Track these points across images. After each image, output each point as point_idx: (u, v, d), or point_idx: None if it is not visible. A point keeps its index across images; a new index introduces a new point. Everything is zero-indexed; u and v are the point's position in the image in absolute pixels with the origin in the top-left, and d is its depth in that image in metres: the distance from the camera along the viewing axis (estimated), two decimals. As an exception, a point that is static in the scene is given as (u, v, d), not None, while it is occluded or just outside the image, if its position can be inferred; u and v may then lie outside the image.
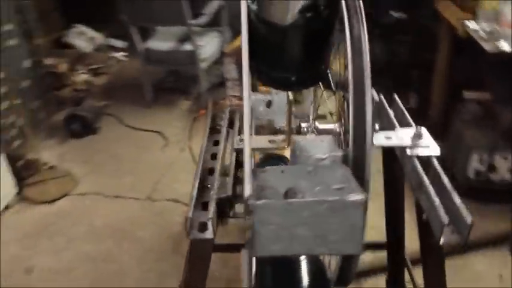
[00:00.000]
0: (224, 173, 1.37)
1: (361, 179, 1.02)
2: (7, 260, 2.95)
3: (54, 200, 3.47)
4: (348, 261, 1.16)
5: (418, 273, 1.78)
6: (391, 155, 1.59)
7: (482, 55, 3.15)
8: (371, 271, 2.74)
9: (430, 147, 1.38)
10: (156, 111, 4.70)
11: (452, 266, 2.86)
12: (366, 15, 1.10)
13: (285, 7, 0.98)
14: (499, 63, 3.11)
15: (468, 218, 1.13)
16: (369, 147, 1.03)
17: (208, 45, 4.52)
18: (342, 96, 1.20)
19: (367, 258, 2.84)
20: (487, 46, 2.96)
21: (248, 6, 1.08)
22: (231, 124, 1.65)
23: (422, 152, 1.37)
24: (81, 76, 4.99)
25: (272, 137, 1.58)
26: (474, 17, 3.26)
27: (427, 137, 1.40)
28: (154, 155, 4.03)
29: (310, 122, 1.57)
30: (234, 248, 2.10)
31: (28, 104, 4.19)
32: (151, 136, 4.30)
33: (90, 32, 5.84)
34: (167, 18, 4.26)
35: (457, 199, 1.20)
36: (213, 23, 4.56)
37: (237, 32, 4.10)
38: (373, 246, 1.98)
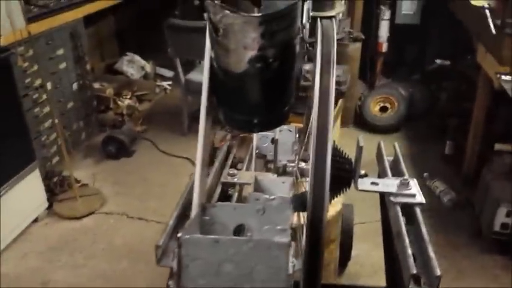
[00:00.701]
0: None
1: (318, 216, 1.04)
2: (26, 271, 3.09)
3: (81, 217, 3.61)
4: None
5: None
6: (381, 203, 1.59)
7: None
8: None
9: (415, 196, 1.38)
10: (191, 139, 4.82)
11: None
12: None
13: (236, 57, 1.02)
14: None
15: (437, 271, 1.12)
16: (327, 196, 1.04)
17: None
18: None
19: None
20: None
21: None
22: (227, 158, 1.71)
23: (406, 199, 1.37)
24: (126, 101, 5.22)
25: (258, 173, 1.61)
26: (511, 70, 3.19)
27: (414, 187, 1.41)
28: (182, 181, 4.12)
29: (296, 162, 1.60)
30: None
31: (71, 124, 4.44)
32: (182, 162, 4.42)
33: (140, 61, 6.14)
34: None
35: (430, 251, 1.19)
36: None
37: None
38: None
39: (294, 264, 1.00)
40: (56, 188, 3.82)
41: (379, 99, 5.04)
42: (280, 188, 1.24)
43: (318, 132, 1.04)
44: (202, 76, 4.42)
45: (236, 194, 1.46)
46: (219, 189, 1.49)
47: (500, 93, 3.33)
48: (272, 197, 1.15)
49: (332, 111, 1.07)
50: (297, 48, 1.09)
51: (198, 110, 4.49)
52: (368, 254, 3.15)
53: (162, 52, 6.16)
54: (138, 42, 6.35)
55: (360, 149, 1.30)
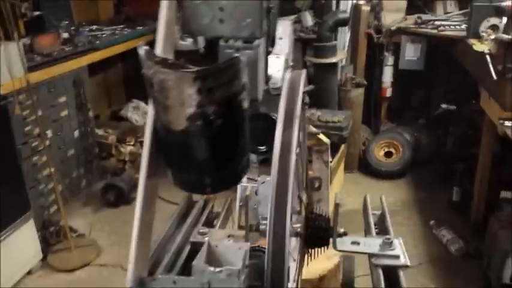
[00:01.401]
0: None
1: None
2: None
3: (75, 269, 3.51)
4: None
5: None
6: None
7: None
8: None
9: (399, 258, 1.29)
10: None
11: None
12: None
13: (174, 114, 0.97)
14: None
15: None
16: (286, 264, 0.95)
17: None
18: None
19: None
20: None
21: None
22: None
23: (389, 261, 1.28)
24: (128, 148, 5.20)
25: (232, 232, 1.53)
26: (514, 116, 3.11)
27: (398, 247, 1.31)
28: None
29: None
30: None
31: (71, 171, 4.41)
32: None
33: (145, 107, 6.16)
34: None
35: None
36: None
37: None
38: None
39: None
40: (52, 238, 3.75)
41: (383, 144, 4.96)
42: (235, 255, 1.15)
43: (276, 191, 0.96)
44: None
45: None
46: (188, 249, 1.40)
47: (505, 139, 3.23)
48: (218, 269, 1.06)
49: (292, 168, 0.99)
50: (245, 103, 1.01)
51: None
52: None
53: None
54: (145, 89, 6.40)
55: (337, 207, 1.22)
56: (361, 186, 4.60)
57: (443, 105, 5.20)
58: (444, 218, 3.99)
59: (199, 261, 1.13)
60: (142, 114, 6.06)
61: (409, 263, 1.25)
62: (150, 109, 1.09)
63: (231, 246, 1.22)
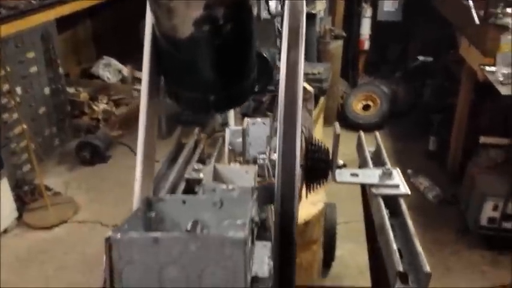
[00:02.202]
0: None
1: (287, 210, 0.91)
2: (-7, 285, 2.91)
3: (52, 227, 3.43)
4: None
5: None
6: (363, 195, 1.47)
7: (501, 100, 2.99)
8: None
9: (399, 187, 1.26)
10: (170, 143, 4.66)
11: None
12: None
13: (180, 19, 0.88)
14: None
15: (426, 267, 0.99)
16: (297, 177, 0.91)
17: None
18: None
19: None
20: (502, 89, 2.80)
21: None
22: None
23: (389, 191, 1.25)
24: (101, 106, 5.05)
25: (219, 164, 1.47)
26: (494, 62, 3.11)
27: (397, 177, 1.28)
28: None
29: (267, 154, 1.46)
30: None
31: (43, 129, 4.26)
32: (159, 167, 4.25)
33: (117, 64, 5.97)
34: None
35: (418, 246, 1.06)
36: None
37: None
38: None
39: (270, 267, 0.87)
40: (27, 196, 3.64)
41: (361, 98, 4.94)
42: (243, 178, 1.10)
43: (285, 111, 0.91)
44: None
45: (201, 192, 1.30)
46: (182, 186, 1.34)
47: (484, 87, 3.25)
48: (231, 187, 1.01)
49: (301, 88, 0.93)
50: (255, 10, 0.94)
51: (177, 113, 4.34)
52: (353, 254, 3.03)
53: (141, 56, 6.03)
54: (116, 46, 6.19)
55: (336, 138, 1.17)
56: (340, 139, 4.58)
57: (420, 57, 5.20)
58: (421, 167, 4.03)
59: (208, 182, 1.08)
60: (114, 72, 5.88)
61: (409, 192, 1.22)
62: (148, 20, 1.01)
63: (238, 169, 1.17)
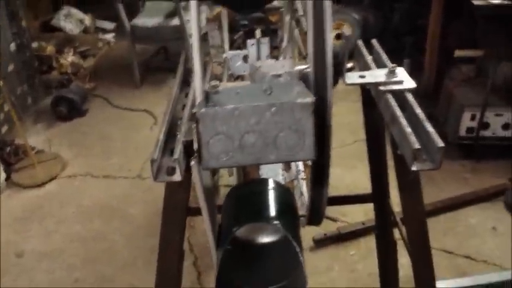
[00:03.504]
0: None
1: (323, 97, 0.98)
2: (-4, 245, 2.93)
3: (42, 184, 3.42)
4: (317, 199, 1.17)
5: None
6: (369, 100, 1.52)
7: (473, 13, 3.06)
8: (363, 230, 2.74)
9: (404, 82, 1.33)
10: (145, 90, 4.63)
11: (446, 220, 2.86)
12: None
13: None
14: (489, 19, 3.02)
15: (439, 142, 1.07)
16: (330, 62, 0.99)
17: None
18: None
19: (358, 216, 2.82)
20: (476, 0, 2.88)
21: None
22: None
23: (395, 86, 1.32)
24: (69, 59, 4.90)
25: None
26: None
27: (401, 74, 1.35)
28: (143, 134, 3.97)
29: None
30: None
31: (15, 88, 4.13)
32: (141, 116, 4.24)
33: (78, 14, 5.74)
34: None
35: (429, 127, 1.14)
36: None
37: None
38: (360, 199, 1.93)
39: None
40: (11, 157, 3.59)
41: (333, 26, 4.94)
42: (278, 67, 1.16)
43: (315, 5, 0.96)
44: (149, 20, 4.18)
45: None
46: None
47: (453, 4, 3.32)
48: (278, 72, 1.07)
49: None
50: None
51: (152, 59, 4.29)
52: (341, 177, 3.15)
53: (100, 3, 5.81)
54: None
55: (346, 39, 1.22)
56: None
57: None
58: (397, 90, 4.13)
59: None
60: (76, 22, 5.67)
61: (415, 85, 1.30)
62: None
63: (275, 64, 1.23)
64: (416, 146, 1.07)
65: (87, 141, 3.93)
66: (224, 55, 1.81)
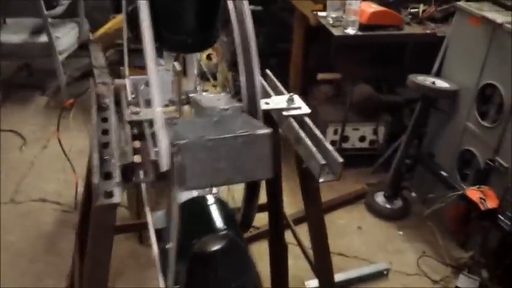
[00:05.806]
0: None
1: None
2: None
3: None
4: (249, 211, 1.43)
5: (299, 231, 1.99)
6: (269, 121, 1.73)
7: (331, 41, 3.50)
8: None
9: (301, 108, 1.57)
10: (9, 109, 4.34)
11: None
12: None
13: None
14: (345, 47, 3.50)
15: (339, 159, 1.31)
16: (259, 100, 1.28)
17: (65, 37, 4.31)
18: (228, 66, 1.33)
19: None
20: (335, 31, 3.31)
21: None
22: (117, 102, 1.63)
23: (295, 112, 1.55)
24: None
25: (164, 109, 1.59)
26: (324, 8, 3.60)
27: (298, 101, 1.59)
28: (12, 155, 3.74)
29: (198, 92, 1.64)
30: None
31: None
32: (7, 136, 3.97)
33: None
34: (19, 8, 3.99)
35: (328, 146, 1.38)
36: (70, 14, 4.38)
37: (98, 22, 3.99)
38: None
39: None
40: None
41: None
42: (220, 101, 1.32)
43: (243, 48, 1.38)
44: (13, 36, 3.99)
45: (149, 132, 1.40)
46: (128, 130, 1.41)
47: (314, 30, 3.75)
48: (225, 107, 1.27)
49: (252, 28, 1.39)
50: None
51: (14, 76, 4.12)
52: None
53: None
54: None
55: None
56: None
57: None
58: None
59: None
60: None
61: (310, 110, 1.55)
62: None
63: (212, 97, 1.39)
64: (323, 161, 1.29)
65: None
66: (126, 79, 1.83)
